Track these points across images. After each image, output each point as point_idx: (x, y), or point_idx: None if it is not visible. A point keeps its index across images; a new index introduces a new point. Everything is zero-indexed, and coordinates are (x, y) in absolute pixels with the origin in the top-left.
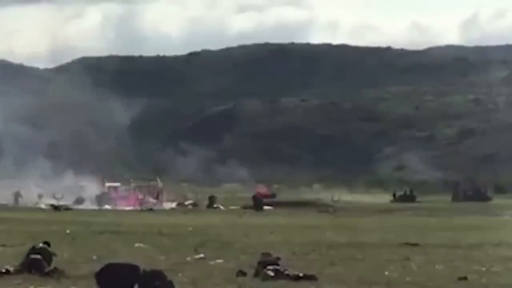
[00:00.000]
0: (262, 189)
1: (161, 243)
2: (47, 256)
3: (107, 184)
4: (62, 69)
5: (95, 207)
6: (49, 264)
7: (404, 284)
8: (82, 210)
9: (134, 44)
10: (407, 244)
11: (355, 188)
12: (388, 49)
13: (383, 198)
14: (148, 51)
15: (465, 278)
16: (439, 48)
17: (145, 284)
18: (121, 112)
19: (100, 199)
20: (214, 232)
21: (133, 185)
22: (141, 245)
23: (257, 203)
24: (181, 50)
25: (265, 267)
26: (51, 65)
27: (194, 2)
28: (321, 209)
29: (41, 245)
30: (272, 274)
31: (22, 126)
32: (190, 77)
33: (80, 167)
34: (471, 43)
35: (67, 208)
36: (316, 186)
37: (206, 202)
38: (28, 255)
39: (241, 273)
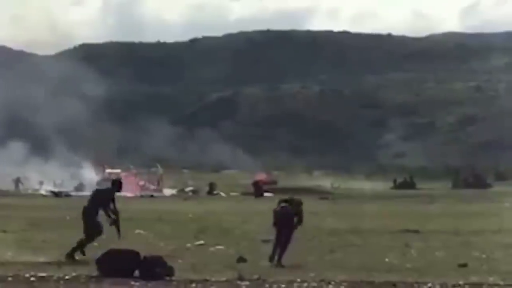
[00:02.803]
0: (262, 175)
1: (161, 230)
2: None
3: (107, 171)
4: (62, 56)
5: None
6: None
7: (404, 271)
8: (82, 196)
9: (134, 30)
10: (407, 230)
11: (356, 175)
12: (389, 36)
13: (383, 185)
14: (149, 37)
15: (465, 265)
16: (439, 35)
17: (145, 270)
18: (121, 98)
19: (101, 185)
20: (214, 219)
21: (133, 171)
22: (142, 231)
23: (257, 190)
24: (182, 37)
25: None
26: (51, 52)
27: None
28: (321, 196)
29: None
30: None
31: (23, 112)
32: (191, 63)
33: (80, 153)
34: (471, 30)
35: (67, 195)
36: (316, 173)
37: (207, 188)
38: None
39: (241, 259)
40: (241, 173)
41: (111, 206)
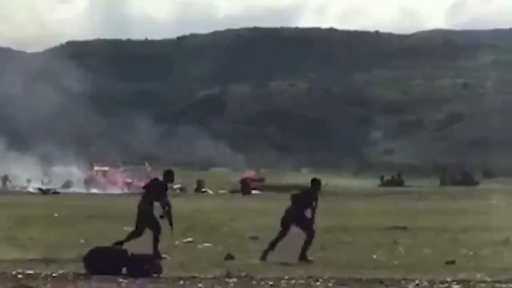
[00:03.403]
0: (250, 173)
1: None
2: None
3: (96, 168)
4: (50, 53)
5: (83, 190)
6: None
7: (392, 268)
8: (70, 193)
9: (122, 27)
10: (395, 228)
11: (344, 172)
12: (377, 33)
13: (372, 182)
14: (136, 35)
15: (453, 262)
16: (427, 32)
17: (133, 267)
18: (109, 96)
19: (88, 183)
20: (202, 216)
21: (121, 169)
22: (130, 228)
23: (245, 187)
24: (170, 34)
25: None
26: (39, 49)
27: None
28: None
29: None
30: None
31: (10, 108)
32: (179, 61)
33: (67, 150)
34: (459, 27)
35: (55, 192)
36: (304, 170)
37: (194, 186)
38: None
39: (229, 256)
40: (229, 170)
41: (164, 198)
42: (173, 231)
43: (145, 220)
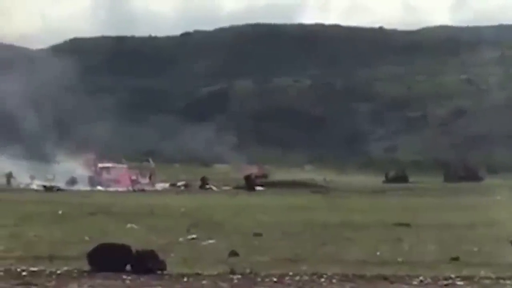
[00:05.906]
0: (253, 169)
1: (153, 224)
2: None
3: (100, 165)
4: (54, 50)
5: (87, 188)
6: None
7: (396, 264)
8: (74, 191)
9: (126, 24)
10: (399, 224)
11: (348, 168)
12: (381, 29)
13: (376, 179)
14: (140, 32)
15: (457, 259)
16: (431, 28)
17: (137, 264)
18: (112, 92)
19: (93, 180)
20: (206, 213)
21: (125, 166)
22: (134, 225)
23: (249, 184)
24: (174, 31)
25: None
26: (42, 46)
27: None
28: (313, 190)
29: None
30: None
31: (14, 106)
32: (182, 57)
33: (71, 148)
34: (463, 23)
35: (59, 189)
36: (308, 167)
37: (199, 183)
38: None
39: (233, 253)
40: (232, 167)
41: None
42: None
43: None
